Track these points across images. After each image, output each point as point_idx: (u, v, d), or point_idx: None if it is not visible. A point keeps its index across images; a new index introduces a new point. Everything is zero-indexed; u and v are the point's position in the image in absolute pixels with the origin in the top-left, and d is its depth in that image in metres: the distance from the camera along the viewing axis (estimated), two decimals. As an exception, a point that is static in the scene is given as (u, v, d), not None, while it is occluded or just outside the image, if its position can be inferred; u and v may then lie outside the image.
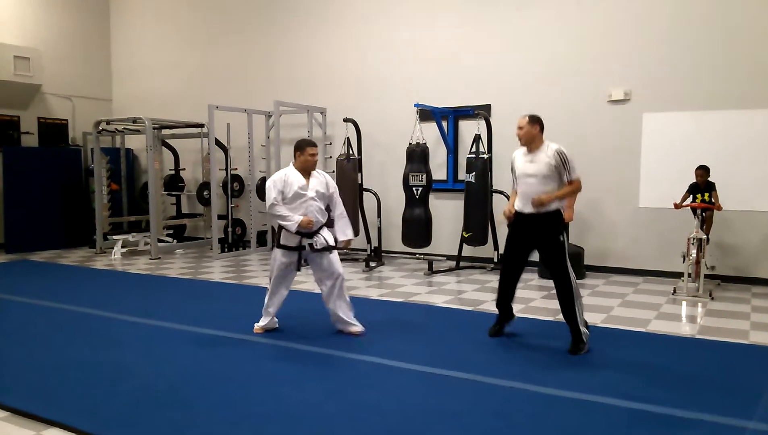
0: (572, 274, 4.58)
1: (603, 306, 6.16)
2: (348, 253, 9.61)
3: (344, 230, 5.03)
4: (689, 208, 6.95)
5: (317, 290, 6.83)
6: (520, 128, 4.67)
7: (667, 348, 4.76)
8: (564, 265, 4.55)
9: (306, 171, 4.86)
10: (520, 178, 4.69)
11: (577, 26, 8.11)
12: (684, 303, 6.37)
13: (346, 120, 8.77)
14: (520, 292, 6.64)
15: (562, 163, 4.55)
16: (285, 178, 4.80)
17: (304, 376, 4.06)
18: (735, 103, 7.27)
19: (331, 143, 9.84)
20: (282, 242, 4.87)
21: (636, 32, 7.76)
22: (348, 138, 8.63)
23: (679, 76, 7.54)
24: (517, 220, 4.71)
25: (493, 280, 7.56)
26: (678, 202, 6.94)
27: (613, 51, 7.91)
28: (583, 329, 4.56)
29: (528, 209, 4.59)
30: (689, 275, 6.64)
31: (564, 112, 8.16)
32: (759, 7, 7.14)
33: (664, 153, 7.66)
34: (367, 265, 8.44)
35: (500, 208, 8.14)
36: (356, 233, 8.59)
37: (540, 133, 4.67)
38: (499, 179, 8.28)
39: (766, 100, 7.11)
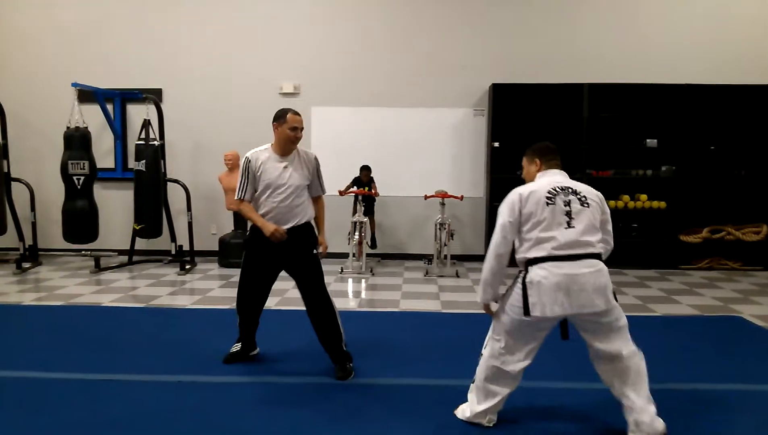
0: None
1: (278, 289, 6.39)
2: (-6, 255, 8.24)
3: None
4: (352, 196, 7.67)
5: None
6: (301, 129, 4.02)
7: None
8: (323, 282, 3.90)
9: None
10: (273, 188, 3.83)
11: (254, 19, 8.25)
12: (350, 280, 6.99)
13: (-16, 98, 7.44)
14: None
15: (317, 173, 4.06)
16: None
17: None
18: (391, 101, 8.24)
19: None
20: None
21: (303, 29, 8.21)
22: (-13, 119, 7.33)
23: (341, 75, 8.25)
24: (264, 239, 3.78)
25: (170, 273, 7.26)
26: (342, 190, 7.58)
27: (286, 47, 8.26)
28: (345, 349, 3.95)
29: (285, 225, 3.78)
30: (353, 255, 7.32)
31: (238, 101, 8.30)
32: (422, 6, 8.17)
33: (331, 143, 8.27)
34: (19, 267, 7.33)
35: (175, 197, 7.91)
36: (5, 230, 7.42)
37: None
38: (173, 167, 8.06)
39: (416, 100, 8.23)
